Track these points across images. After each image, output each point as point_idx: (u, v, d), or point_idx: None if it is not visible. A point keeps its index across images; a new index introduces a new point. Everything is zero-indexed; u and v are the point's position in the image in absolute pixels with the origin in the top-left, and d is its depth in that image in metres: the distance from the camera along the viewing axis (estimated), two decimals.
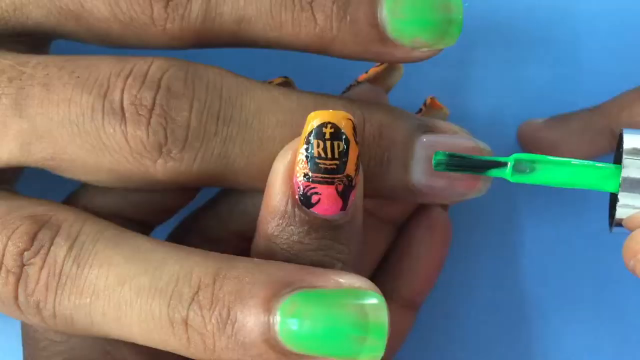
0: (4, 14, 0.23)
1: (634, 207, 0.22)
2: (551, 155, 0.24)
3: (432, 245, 0.29)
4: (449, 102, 0.28)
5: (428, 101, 0.28)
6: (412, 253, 0.29)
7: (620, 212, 0.22)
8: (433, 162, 0.23)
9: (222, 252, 0.25)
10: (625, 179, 0.22)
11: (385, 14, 0.23)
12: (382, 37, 0.23)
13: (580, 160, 0.23)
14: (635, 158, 0.22)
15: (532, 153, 0.24)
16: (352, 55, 0.24)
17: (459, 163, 0.23)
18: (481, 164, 0.23)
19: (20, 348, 0.25)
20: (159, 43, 0.23)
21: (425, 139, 0.24)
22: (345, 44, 0.23)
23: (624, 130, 0.23)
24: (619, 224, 0.23)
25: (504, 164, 0.23)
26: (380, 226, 0.29)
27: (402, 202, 0.28)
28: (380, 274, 0.29)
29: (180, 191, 0.25)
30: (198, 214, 0.27)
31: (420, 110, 0.28)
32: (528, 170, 0.23)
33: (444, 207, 0.30)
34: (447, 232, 0.29)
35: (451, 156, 0.23)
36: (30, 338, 0.24)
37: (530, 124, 0.31)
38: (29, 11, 0.23)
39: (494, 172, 0.23)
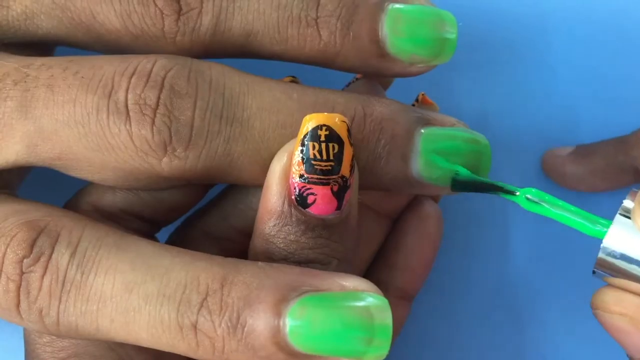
0: (15, 23, 0.23)
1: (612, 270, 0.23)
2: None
3: (424, 237, 0.29)
4: (442, 102, 0.29)
5: (420, 97, 0.28)
6: (405, 245, 0.29)
7: (598, 266, 0.23)
8: (451, 186, 0.24)
9: (226, 249, 0.26)
10: (604, 248, 0.22)
11: (385, 31, 0.24)
12: (382, 52, 0.24)
13: (577, 210, 0.23)
14: (624, 223, 0.22)
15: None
16: (353, 68, 0.25)
17: (473, 186, 0.24)
18: (493, 187, 0.24)
19: (21, 347, 0.25)
20: (167, 53, 0.24)
21: (424, 131, 0.24)
22: (347, 58, 0.24)
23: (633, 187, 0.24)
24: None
25: (514, 193, 0.24)
26: (378, 219, 0.29)
27: (400, 194, 0.29)
28: (376, 266, 0.29)
29: (189, 190, 0.25)
30: (202, 211, 0.27)
31: (412, 106, 0.28)
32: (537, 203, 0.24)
33: (435, 199, 0.30)
34: (439, 224, 0.29)
35: (465, 181, 0.24)
36: (32, 334, 0.24)
37: (554, 155, 0.31)
38: (40, 21, 0.23)
39: (506, 196, 0.24)
